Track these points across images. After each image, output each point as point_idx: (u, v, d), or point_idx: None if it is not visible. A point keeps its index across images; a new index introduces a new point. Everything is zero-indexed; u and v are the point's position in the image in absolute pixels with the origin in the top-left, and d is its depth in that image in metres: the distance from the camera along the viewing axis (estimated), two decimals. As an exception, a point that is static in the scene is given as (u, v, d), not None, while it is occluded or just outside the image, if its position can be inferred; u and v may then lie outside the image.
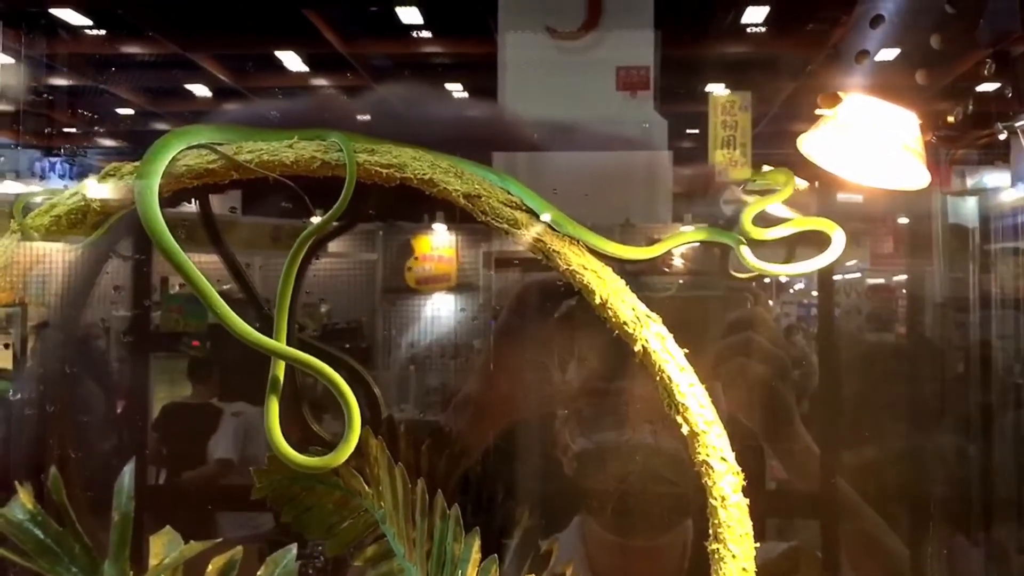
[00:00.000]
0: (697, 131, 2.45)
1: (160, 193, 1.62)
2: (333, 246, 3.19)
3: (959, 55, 1.51)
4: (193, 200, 1.93)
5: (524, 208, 1.72)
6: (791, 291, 3.02)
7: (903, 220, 2.66)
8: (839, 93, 1.64)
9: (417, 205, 2.73)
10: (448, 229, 3.25)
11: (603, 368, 2.22)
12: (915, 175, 1.63)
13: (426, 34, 2.46)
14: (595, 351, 2.22)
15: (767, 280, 2.59)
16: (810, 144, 1.69)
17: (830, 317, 2.38)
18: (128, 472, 1.38)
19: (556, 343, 2.24)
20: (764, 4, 2.46)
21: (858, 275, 3.07)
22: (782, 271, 1.79)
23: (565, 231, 1.71)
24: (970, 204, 2.49)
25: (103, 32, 2.17)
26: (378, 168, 1.70)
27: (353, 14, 2.48)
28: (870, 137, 1.63)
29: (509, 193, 1.74)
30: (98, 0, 2.12)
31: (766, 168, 1.89)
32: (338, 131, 1.72)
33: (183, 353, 2.87)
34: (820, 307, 2.39)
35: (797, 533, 2.38)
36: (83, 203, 1.69)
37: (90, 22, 2.15)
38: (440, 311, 3.28)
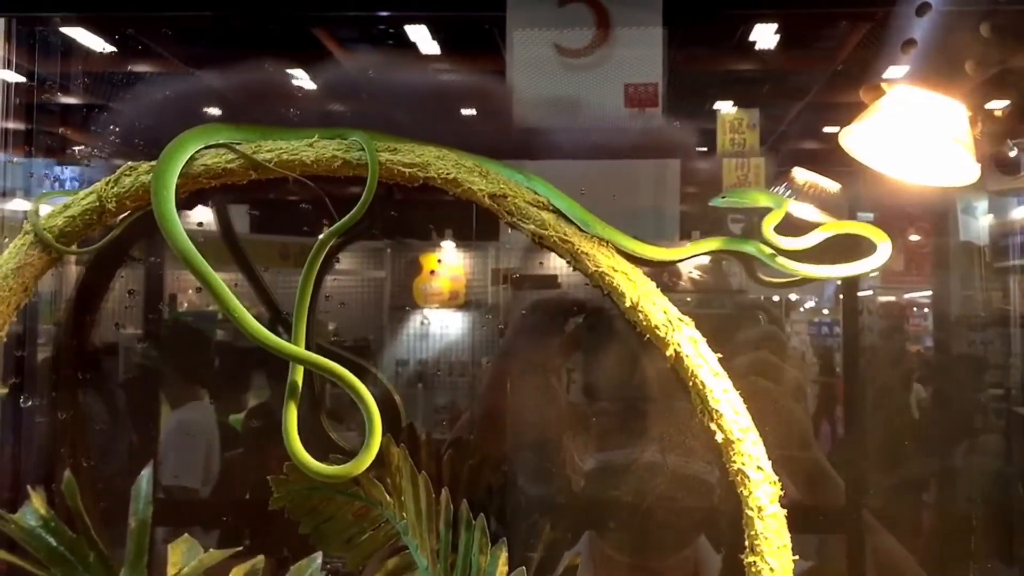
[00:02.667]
0: (706, 148, 2.39)
1: (177, 194, 1.55)
2: (341, 263, 3.14)
3: (1009, 47, 1.44)
4: (209, 203, 1.84)
5: (551, 208, 1.64)
6: (801, 309, 2.95)
7: (914, 237, 2.61)
8: (882, 84, 1.56)
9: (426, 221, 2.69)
10: (456, 247, 3.18)
11: (611, 386, 2.14)
12: (964, 169, 1.54)
13: (434, 50, 2.39)
14: (603, 369, 2.14)
15: (776, 298, 2.52)
16: (852, 138, 1.60)
17: (855, 334, 2.30)
18: (146, 477, 1.29)
19: (563, 362, 2.16)
20: (772, 21, 2.38)
21: (869, 292, 3.00)
22: (821, 273, 1.70)
23: (594, 232, 1.62)
24: (982, 222, 2.43)
25: (113, 50, 2.10)
26: (400, 167, 1.62)
27: (362, 32, 2.41)
28: (917, 130, 1.54)
29: (536, 193, 1.65)
30: (108, 19, 2.05)
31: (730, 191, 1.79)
32: (359, 130, 1.64)
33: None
34: (844, 325, 2.31)
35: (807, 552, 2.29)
36: (98, 204, 1.61)
37: (100, 41, 2.08)
38: (449, 328, 3.20)
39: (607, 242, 1.63)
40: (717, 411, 1.56)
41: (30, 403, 1.83)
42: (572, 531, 2.12)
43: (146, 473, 1.31)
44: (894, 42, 1.48)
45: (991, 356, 2.43)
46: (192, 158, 1.60)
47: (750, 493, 1.54)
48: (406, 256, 3.27)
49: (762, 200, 1.73)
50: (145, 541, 1.29)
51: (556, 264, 2.55)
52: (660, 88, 2.18)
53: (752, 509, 1.54)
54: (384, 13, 2.21)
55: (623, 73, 2.18)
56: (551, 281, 2.54)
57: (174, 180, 1.54)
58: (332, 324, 2.95)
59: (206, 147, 1.62)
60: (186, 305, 2.85)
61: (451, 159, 1.64)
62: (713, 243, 1.75)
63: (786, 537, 1.55)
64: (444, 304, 3.22)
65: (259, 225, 2.63)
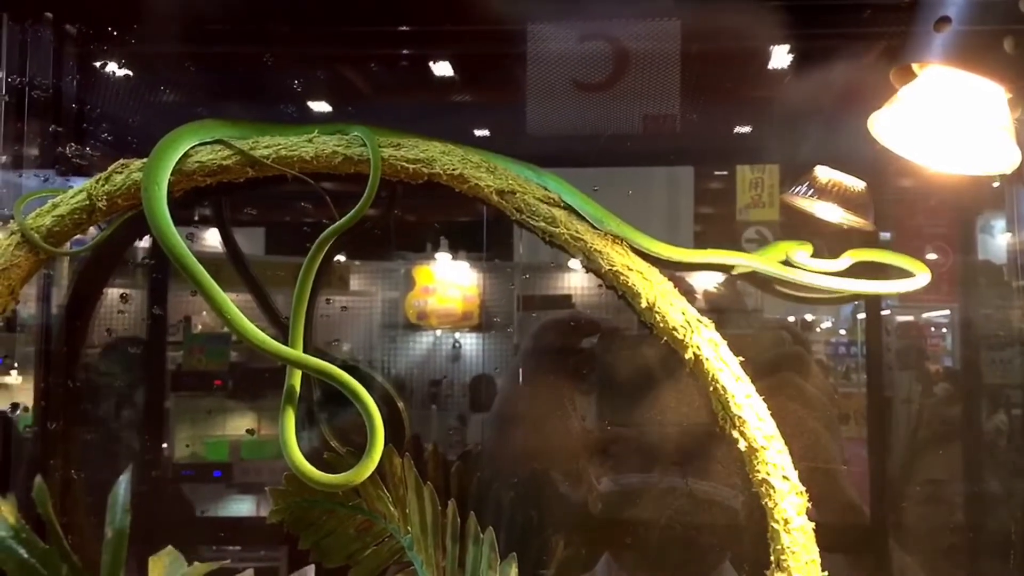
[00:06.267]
0: (725, 172, 2.29)
1: (170, 192, 1.44)
2: (356, 284, 3.03)
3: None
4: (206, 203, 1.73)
5: (562, 205, 1.51)
6: (818, 330, 2.84)
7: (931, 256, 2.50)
8: (913, 67, 1.43)
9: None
10: (471, 267, 3.07)
11: (627, 409, 2.01)
12: (1003, 156, 1.39)
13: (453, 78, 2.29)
14: (619, 390, 2.01)
15: (791, 318, 2.41)
16: (881, 125, 1.47)
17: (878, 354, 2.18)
18: (124, 482, 1.16)
19: (576, 384, 2.04)
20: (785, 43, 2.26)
21: (887, 312, 2.89)
22: (850, 288, 1.57)
23: (608, 229, 1.49)
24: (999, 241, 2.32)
25: (142, 82, 2.00)
26: (404, 164, 1.50)
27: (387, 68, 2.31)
28: (951, 114, 1.40)
29: (546, 189, 1.53)
30: (141, 56, 1.95)
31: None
32: (361, 125, 1.52)
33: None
34: (868, 344, 2.19)
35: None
36: (88, 202, 1.49)
37: (132, 75, 1.98)
38: (464, 348, 3.08)
39: (621, 240, 1.50)
40: (740, 417, 1.43)
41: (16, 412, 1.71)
42: (588, 555, 1.98)
43: (123, 479, 1.18)
44: (927, 19, 1.35)
45: (1011, 376, 2.32)
46: (186, 155, 1.50)
47: (775, 505, 1.41)
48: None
49: (791, 249, 1.61)
50: (122, 553, 1.16)
51: (570, 284, 2.45)
52: (678, 120, 2.07)
53: (778, 522, 1.41)
54: (407, 51, 2.11)
55: (641, 104, 2.08)
56: (565, 301, 2.42)
57: (166, 177, 1.43)
58: (347, 344, 2.85)
59: (201, 143, 1.50)
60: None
61: (457, 154, 1.52)
62: (739, 257, 1.62)
63: (814, 552, 1.42)
64: (456, 324, 3.10)
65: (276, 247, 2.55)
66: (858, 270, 1.62)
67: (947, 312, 2.70)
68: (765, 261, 1.60)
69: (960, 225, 2.36)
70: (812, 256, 1.60)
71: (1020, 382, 2.31)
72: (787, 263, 1.60)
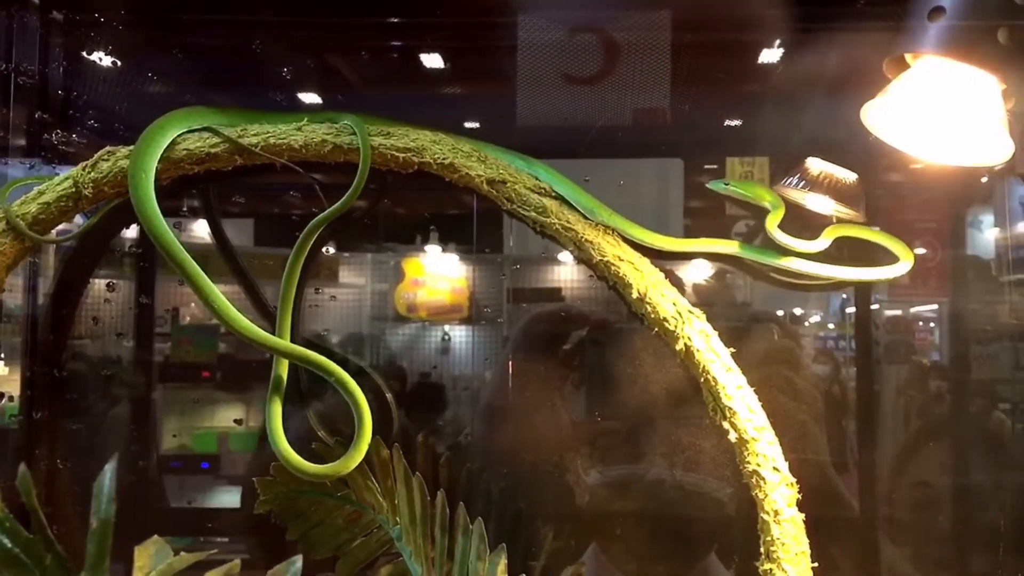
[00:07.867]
0: (716, 166, 2.27)
1: (158, 180, 1.42)
2: (347, 277, 3.01)
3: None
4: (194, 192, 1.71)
5: (553, 195, 1.50)
6: (807, 324, 2.83)
7: (920, 250, 2.48)
8: (907, 57, 1.42)
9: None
10: (460, 259, 3.06)
11: (616, 402, 2.00)
12: (996, 147, 1.38)
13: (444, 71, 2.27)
14: (608, 382, 2.00)
15: (780, 312, 2.39)
16: (874, 115, 1.45)
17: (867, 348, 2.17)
18: (109, 472, 1.14)
19: (565, 377, 2.02)
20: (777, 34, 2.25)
21: (875, 307, 2.88)
22: (837, 275, 1.56)
23: (599, 219, 1.48)
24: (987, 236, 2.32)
25: (129, 69, 1.98)
26: (394, 152, 1.49)
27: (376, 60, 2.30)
28: (944, 105, 1.39)
29: (537, 179, 1.51)
30: (128, 43, 1.93)
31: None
32: (351, 113, 1.50)
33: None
34: (857, 339, 2.20)
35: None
36: (74, 190, 1.47)
37: (119, 63, 1.96)
38: (453, 340, 3.06)
39: (612, 230, 1.48)
40: (730, 408, 1.42)
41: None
42: (576, 546, 1.97)
43: (109, 468, 1.16)
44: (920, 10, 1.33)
45: (998, 370, 2.31)
46: (174, 142, 1.48)
47: (766, 496, 1.40)
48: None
49: (766, 198, 1.59)
50: (107, 542, 1.13)
51: (560, 276, 2.44)
52: (668, 114, 2.06)
53: (768, 513, 1.40)
54: (398, 43, 2.08)
55: (631, 98, 2.07)
56: (555, 293, 2.41)
57: (153, 164, 1.41)
58: (336, 336, 2.83)
59: (189, 131, 1.48)
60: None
61: (448, 143, 1.51)
62: (729, 245, 1.60)
63: (804, 543, 1.42)
64: (446, 316, 3.09)
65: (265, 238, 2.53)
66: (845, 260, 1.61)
67: (935, 307, 2.69)
68: (753, 253, 1.59)
69: (949, 219, 2.35)
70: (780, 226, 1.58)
71: (1007, 376, 2.30)
72: (771, 243, 1.58)
